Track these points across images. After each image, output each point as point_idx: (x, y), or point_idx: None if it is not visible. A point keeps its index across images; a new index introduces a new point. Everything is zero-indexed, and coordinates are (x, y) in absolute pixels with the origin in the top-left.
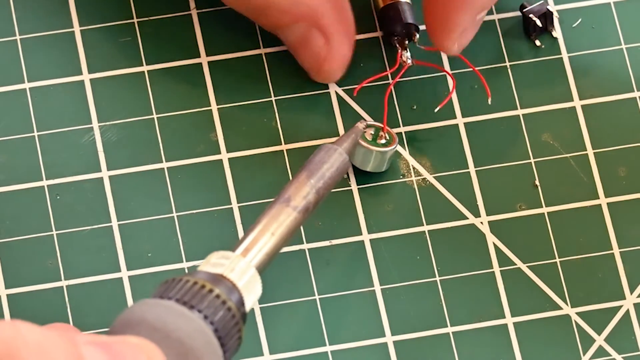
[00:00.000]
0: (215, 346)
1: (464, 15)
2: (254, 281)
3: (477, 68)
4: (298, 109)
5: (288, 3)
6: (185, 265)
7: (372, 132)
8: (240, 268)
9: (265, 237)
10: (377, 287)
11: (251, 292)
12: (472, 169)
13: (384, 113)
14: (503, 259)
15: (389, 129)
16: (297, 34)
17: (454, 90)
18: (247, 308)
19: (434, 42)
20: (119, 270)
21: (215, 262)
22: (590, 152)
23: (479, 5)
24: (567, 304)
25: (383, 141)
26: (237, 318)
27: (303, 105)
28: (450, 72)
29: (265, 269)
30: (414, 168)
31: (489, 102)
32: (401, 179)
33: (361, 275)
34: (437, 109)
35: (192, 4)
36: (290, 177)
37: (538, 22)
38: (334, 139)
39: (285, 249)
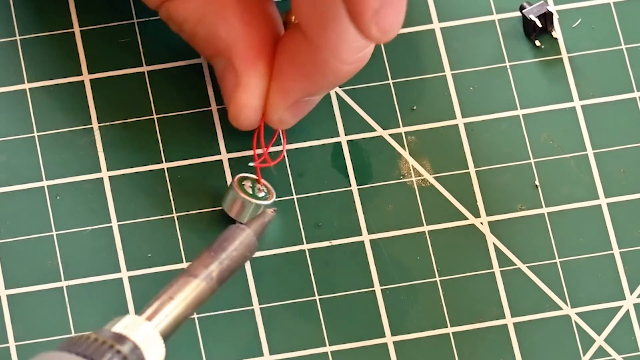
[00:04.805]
0: None
1: (284, 101)
2: (156, 343)
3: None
4: None
5: (208, 35)
6: (185, 265)
7: (250, 185)
8: (143, 330)
9: (170, 305)
10: (377, 287)
11: (152, 353)
12: (472, 169)
13: (257, 172)
14: (503, 259)
15: (265, 182)
16: (218, 67)
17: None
18: None
19: None
20: (119, 271)
21: (121, 324)
22: (590, 152)
23: (300, 94)
24: (567, 304)
25: (262, 194)
26: None
27: None
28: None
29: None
30: (413, 168)
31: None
32: (401, 179)
33: (361, 276)
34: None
35: None
36: (291, 178)
37: (538, 23)
38: (336, 140)
39: (285, 250)
